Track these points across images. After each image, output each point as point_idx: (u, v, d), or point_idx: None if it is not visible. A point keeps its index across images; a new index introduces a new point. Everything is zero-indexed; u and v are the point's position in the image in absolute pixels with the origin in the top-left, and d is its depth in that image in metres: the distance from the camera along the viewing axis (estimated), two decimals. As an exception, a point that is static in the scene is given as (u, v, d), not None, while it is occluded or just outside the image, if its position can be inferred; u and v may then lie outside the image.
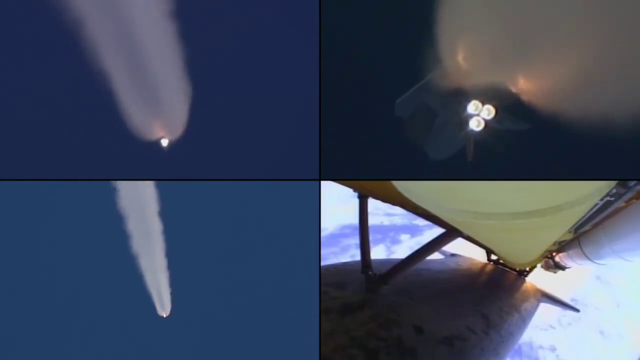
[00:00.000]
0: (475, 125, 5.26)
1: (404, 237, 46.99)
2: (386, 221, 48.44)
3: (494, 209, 3.22)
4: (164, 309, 8.92)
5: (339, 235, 42.54)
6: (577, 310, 20.76)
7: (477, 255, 16.06)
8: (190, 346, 8.87)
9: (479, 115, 5.24)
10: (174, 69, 7.81)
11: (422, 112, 5.34)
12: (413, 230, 46.61)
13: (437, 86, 5.29)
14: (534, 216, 3.07)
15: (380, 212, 46.72)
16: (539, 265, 15.99)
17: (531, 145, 5.49)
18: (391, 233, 47.45)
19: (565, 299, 18.84)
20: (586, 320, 29.66)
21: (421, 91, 5.31)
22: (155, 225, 8.88)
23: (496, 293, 11.77)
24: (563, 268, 15.09)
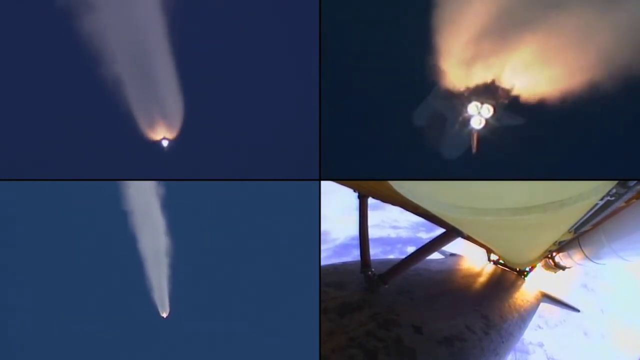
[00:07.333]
0: (477, 124, 5.48)
1: (410, 249, 48.23)
2: (392, 234, 49.89)
3: (493, 205, 3.21)
4: (164, 309, 8.92)
5: (350, 245, 43.54)
6: (577, 310, 20.82)
7: (477, 255, 16.05)
8: (190, 346, 8.87)
9: (480, 114, 5.41)
10: (175, 69, 7.82)
11: (435, 118, 5.58)
12: (417, 243, 47.83)
13: (444, 91, 5.47)
14: (534, 212, 3.07)
15: (386, 225, 48.46)
16: (539, 265, 15.95)
17: (531, 145, 5.53)
18: (399, 245, 48.90)
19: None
20: (571, 322, 33.42)
21: (432, 99, 5.54)
22: (156, 225, 8.89)
23: (496, 293, 11.74)
24: (563, 268, 15.03)
